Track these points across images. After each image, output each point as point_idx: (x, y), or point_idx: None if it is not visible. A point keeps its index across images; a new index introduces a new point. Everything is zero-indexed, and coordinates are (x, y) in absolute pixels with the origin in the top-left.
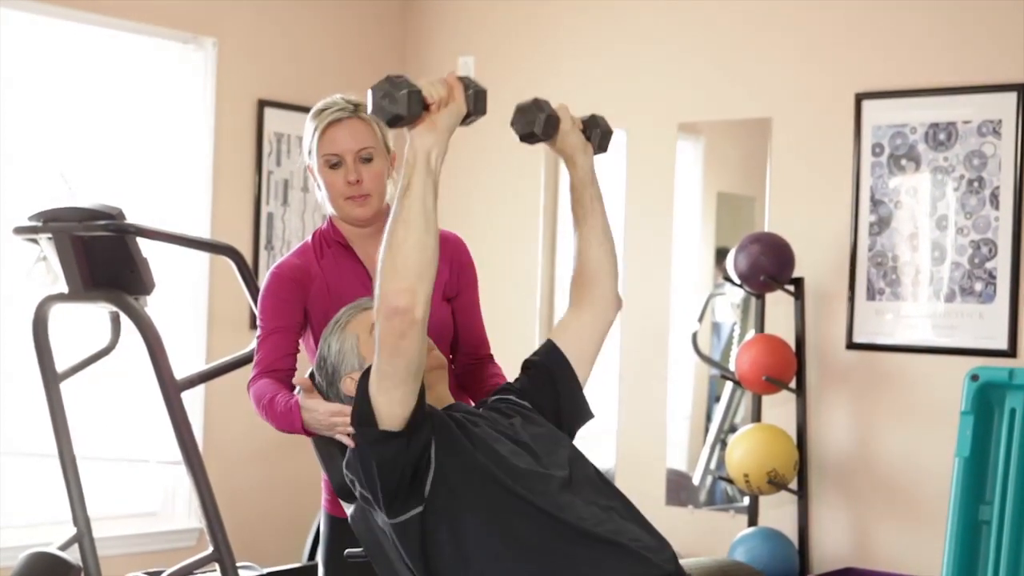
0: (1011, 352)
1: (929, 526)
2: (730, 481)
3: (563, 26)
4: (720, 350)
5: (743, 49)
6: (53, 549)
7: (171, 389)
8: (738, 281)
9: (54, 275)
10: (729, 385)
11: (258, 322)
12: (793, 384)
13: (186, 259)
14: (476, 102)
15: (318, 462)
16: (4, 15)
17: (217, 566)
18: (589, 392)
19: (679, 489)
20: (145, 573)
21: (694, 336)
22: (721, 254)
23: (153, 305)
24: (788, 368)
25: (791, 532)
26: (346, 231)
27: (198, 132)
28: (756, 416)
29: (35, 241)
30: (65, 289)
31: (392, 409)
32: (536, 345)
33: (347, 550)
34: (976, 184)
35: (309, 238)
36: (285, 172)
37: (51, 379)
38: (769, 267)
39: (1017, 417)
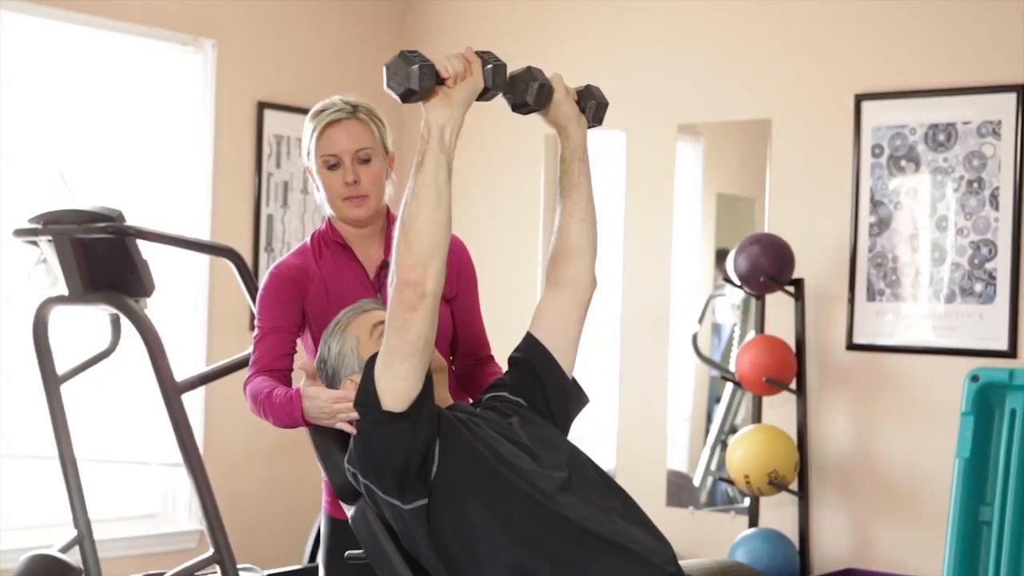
0: (1011, 353)
1: (929, 527)
2: (731, 482)
3: (563, 27)
4: (720, 351)
5: (743, 50)
6: (54, 551)
7: (171, 391)
8: (738, 282)
9: (54, 277)
10: (729, 386)
11: (256, 322)
12: (793, 385)
13: (186, 261)
14: (495, 76)
15: (318, 463)
16: (4, 17)
17: (218, 568)
18: (589, 391)
19: (679, 490)
20: (146, 575)
21: (694, 337)
22: (721, 255)
23: (153, 307)
24: (788, 369)
25: (792, 533)
26: (345, 232)
27: (198, 134)
28: (756, 417)
29: (35, 243)
30: (65, 291)
31: (395, 385)
32: None
33: (348, 552)
34: (976, 185)
35: (308, 239)
36: (285, 174)
37: (51, 381)
38: (769, 268)
39: (1017, 418)
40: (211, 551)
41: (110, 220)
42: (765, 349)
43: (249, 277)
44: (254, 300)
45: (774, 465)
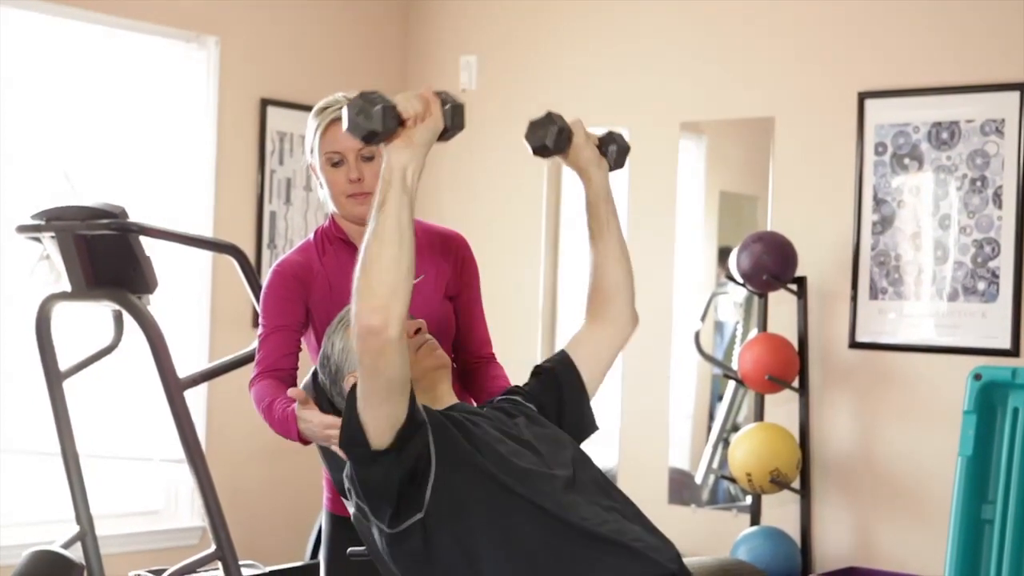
0: (1014, 351)
1: (932, 525)
2: (733, 480)
3: (566, 25)
4: (723, 349)
5: (746, 48)
6: (56, 547)
7: (174, 387)
8: (741, 280)
9: (57, 273)
10: (732, 384)
11: (260, 320)
12: (796, 383)
13: (189, 258)
14: (453, 116)
15: (320, 460)
16: (7, 14)
17: (220, 564)
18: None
19: (682, 488)
20: (148, 571)
21: (697, 335)
22: (724, 253)
23: (156, 304)
24: (791, 367)
25: (794, 531)
26: (348, 229)
27: (201, 131)
28: (759, 415)
29: (38, 240)
30: (68, 288)
31: (379, 424)
32: (538, 346)
33: (349, 548)
34: (979, 183)
35: (311, 235)
36: (288, 171)
37: (54, 377)
38: (772, 266)
39: (1020, 416)
40: (213, 547)
41: (113, 216)
42: (767, 347)
43: (252, 274)
44: (257, 297)
45: (776, 463)
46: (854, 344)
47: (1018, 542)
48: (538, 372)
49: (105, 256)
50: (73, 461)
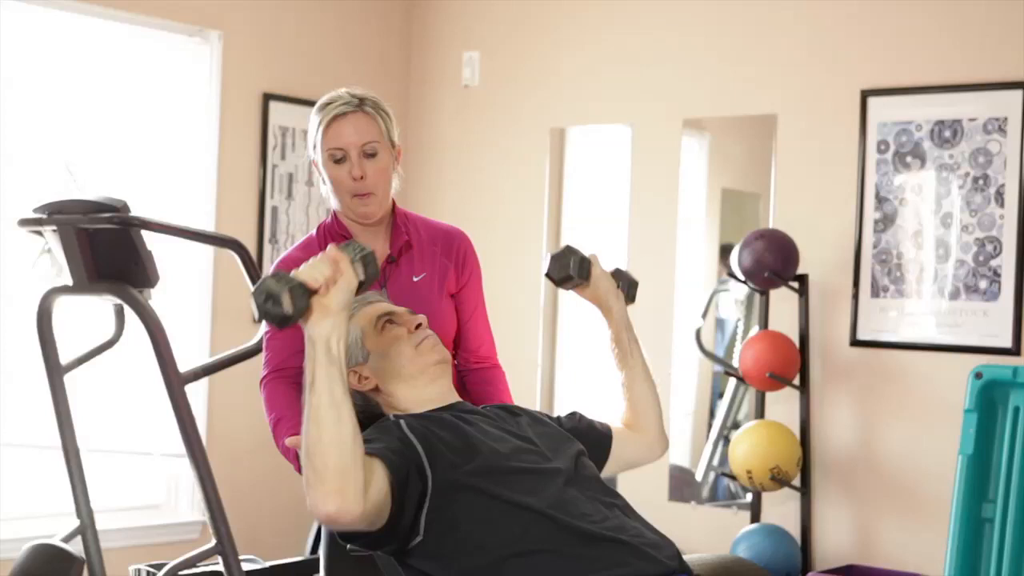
0: (1015, 350)
1: (932, 523)
2: (733, 477)
3: (568, 22)
4: (724, 346)
5: (748, 45)
6: (56, 541)
7: (175, 382)
8: (742, 277)
9: (58, 267)
10: (732, 381)
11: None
12: (796, 381)
13: (190, 252)
14: (366, 267)
15: None
16: (9, 7)
17: (220, 559)
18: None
19: (682, 485)
20: (148, 565)
21: (698, 332)
22: (725, 250)
23: (157, 298)
24: (792, 365)
25: (794, 529)
26: (350, 226)
27: (203, 125)
28: (759, 412)
29: (40, 233)
30: (69, 281)
31: (376, 526)
32: (538, 343)
33: (350, 544)
34: (981, 182)
35: (314, 232)
36: (290, 166)
37: (55, 371)
38: (773, 264)
39: (1021, 415)
40: (213, 542)
41: (115, 210)
42: (768, 345)
43: (253, 269)
44: None
45: (776, 461)
46: (855, 342)
47: (1018, 541)
48: (575, 413)
49: (106, 250)
50: (74, 455)
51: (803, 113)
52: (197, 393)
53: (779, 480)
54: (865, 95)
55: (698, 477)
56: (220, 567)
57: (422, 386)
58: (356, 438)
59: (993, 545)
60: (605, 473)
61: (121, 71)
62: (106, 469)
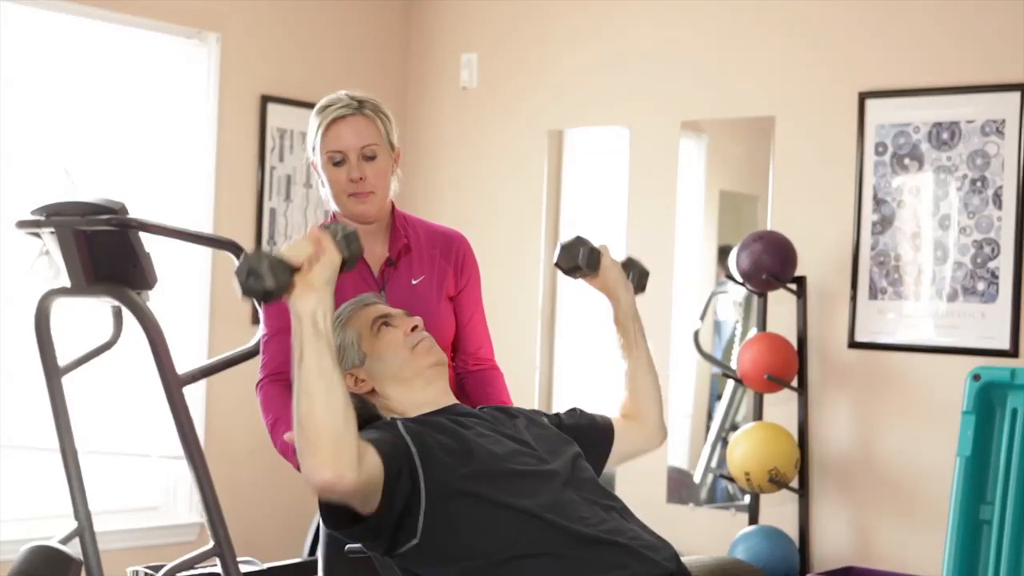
0: (1013, 352)
1: (930, 525)
2: (731, 479)
3: (566, 23)
4: (722, 348)
5: (747, 47)
6: (54, 543)
7: (173, 384)
8: (740, 279)
9: (56, 269)
10: (731, 383)
11: (261, 322)
12: (795, 383)
13: (188, 254)
14: (348, 245)
15: None
16: (7, 9)
17: (218, 561)
18: (590, 387)
19: (680, 487)
20: (146, 567)
21: (696, 334)
22: (723, 252)
23: (155, 300)
24: (790, 367)
25: (792, 531)
26: None
27: (201, 127)
28: (757, 414)
29: (38, 235)
30: (67, 283)
31: (368, 506)
32: (536, 343)
33: (348, 546)
34: (979, 184)
35: None
36: (288, 168)
37: (53, 373)
38: (771, 265)
39: (1019, 417)
40: (211, 544)
41: (113, 212)
42: (767, 346)
43: None
44: None
45: (775, 462)
46: (853, 344)
47: (1016, 543)
48: (575, 409)
49: (105, 252)
50: (71, 457)
51: (801, 115)
52: (195, 395)
53: (777, 482)
54: (863, 97)
55: (696, 479)
56: (218, 569)
57: (418, 388)
58: (348, 409)
59: (991, 547)
60: (606, 466)
61: (119, 73)
62: (104, 471)
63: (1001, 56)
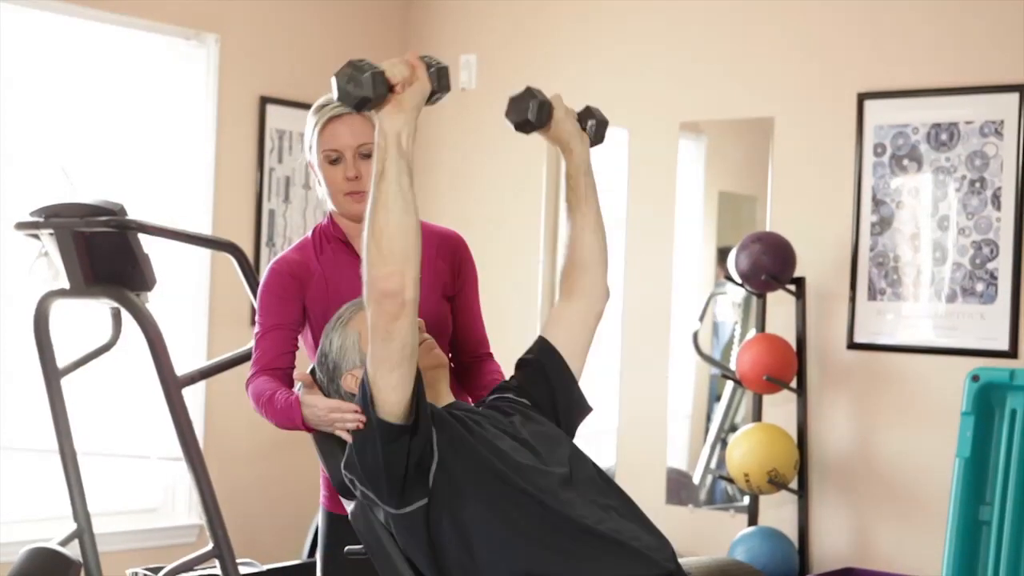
0: (1012, 353)
1: (929, 526)
2: (730, 480)
3: (565, 25)
4: (721, 349)
5: (745, 48)
6: (53, 545)
7: (172, 385)
8: (739, 280)
9: (55, 271)
10: (730, 384)
11: (256, 318)
12: (794, 384)
13: (187, 255)
14: (439, 79)
15: (319, 459)
16: (7, 10)
17: (217, 562)
18: (589, 389)
19: (679, 488)
20: (145, 569)
21: (695, 335)
22: (722, 253)
23: (154, 301)
24: (789, 368)
25: (791, 532)
26: (346, 227)
27: (200, 128)
28: (757, 415)
29: (37, 237)
30: (66, 285)
31: (387, 395)
32: None
33: (347, 547)
34: (978, 185)
35: (309, 233)
36: (287, 169)
37: (52, 375)
38: (770, 266)
39: (1018, 418)
40: (210, 545)
41: (112, 214)
42: (766, 347)
43: (250, 272)
44: (255, 295)
45: (774, 464)
46: (852, 345)
47: (1015, 544)
48: (522, 364)
49: (104, 253)
50: (71, 458)
51: (800, 116)
52: (194, 396)
53: (776, 483)
54: (862, 98)
55: (695, 480)
56: (218, 570)
57: None
58: (418, 231)
59: (990, 548)
60: (574, 356)
61: (118, 74)
62: (103, 472)
63: (1000, 57)
